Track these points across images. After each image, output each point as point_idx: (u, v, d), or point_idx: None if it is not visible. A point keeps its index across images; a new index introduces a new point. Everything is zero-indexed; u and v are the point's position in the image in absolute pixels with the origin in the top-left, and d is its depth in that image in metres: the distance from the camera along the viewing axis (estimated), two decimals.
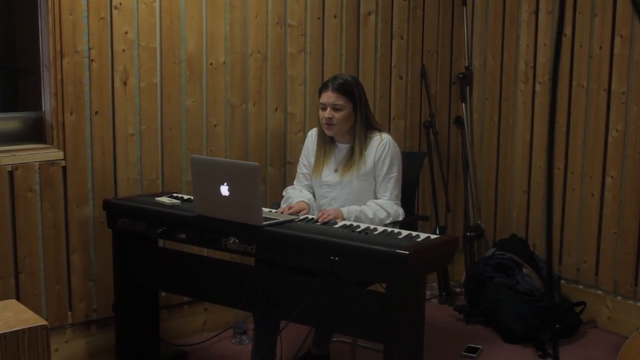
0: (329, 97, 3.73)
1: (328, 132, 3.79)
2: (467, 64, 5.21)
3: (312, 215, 3.64)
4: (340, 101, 3.71)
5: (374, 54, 4.87)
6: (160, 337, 4.05)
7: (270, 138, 4.51)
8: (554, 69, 1.55)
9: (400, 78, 5.01)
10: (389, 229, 3.35)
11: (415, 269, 3.04)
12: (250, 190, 3.27)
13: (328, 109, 3.73)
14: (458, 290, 5.18)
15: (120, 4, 3.94)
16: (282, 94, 4.52)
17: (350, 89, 3.75)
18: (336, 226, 3.40)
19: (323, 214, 3.52)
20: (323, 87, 3.79)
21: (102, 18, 3.90)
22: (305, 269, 3.32)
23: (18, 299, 3.72)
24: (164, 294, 4.17)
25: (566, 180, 4.76)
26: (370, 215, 3.66)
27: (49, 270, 3.91)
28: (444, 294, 5.05)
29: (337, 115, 3.72)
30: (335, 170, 3.82)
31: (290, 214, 3.60)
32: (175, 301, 4.31)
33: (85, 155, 3.94)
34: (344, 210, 3.63)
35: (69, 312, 4.00)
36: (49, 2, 3.76)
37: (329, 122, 3.73)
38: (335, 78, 3.80)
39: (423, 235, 3.24)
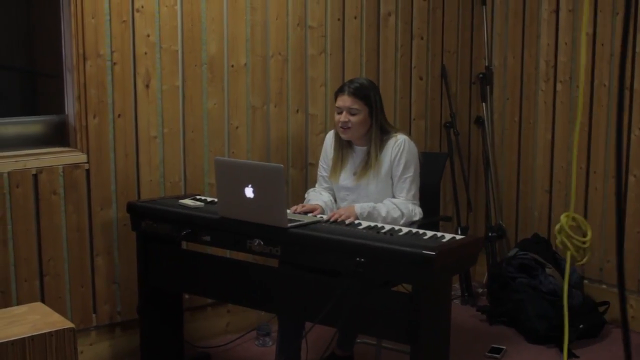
0: (344, 101, 3.72)
1: (344, 136, 3.79)
2: (487, 64, 5.19)
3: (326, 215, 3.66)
4: (356, 105, 3.71)
5: (394, 54, 4.86)
6: (184, 339, 4.06)
7: (292, 139, 4.51)
8: (621, 70, 1.51)
9: (421, 78, 5.01)
10: (414, 230, 3.34)
11: (442, 269, 3.03)
12: (275, 191, 3.27)
13: (344, 112, 3.73)
14: (480, 291, 5.17)
15: (142, 7, 3.95)
16: (303, 95, 4.53)
17: (366, 94, 3.74)
18: (360, 227, 3.40)
19: (334, 213, 3.52)
20: (339, 91, 3.78)
21: (124, 21, 3.91)
22: (328, 270, 3.32)
23: (43, 302, 3.74)
24: (187, 296, 4.18)
25: (588, 180, 4.74)
26: (383, 214, 3.65)
27: (73, 272, 3.93)
28: (466, 294, 5.04)
29: (353, 119, 3.72)
30: (354, 174, 3.82)
31: (303, 212, 3.63)
32: (198, 303, 4.31)
33: (109, 158, 3.96)
34: (357, 206, 3.62)
35: (94, 315, 4.02)
36: (72, 6, 3.78)
37: (345, 125, 3.73)
38: (351, 82, 3.79)
39: (448, 236, 3.24)
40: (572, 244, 2.34)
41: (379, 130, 3.77)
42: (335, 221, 3.47)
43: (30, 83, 5.61)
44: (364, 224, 3.46)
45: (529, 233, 5.04)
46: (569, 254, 2.36)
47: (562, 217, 2.36)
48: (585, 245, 2.36)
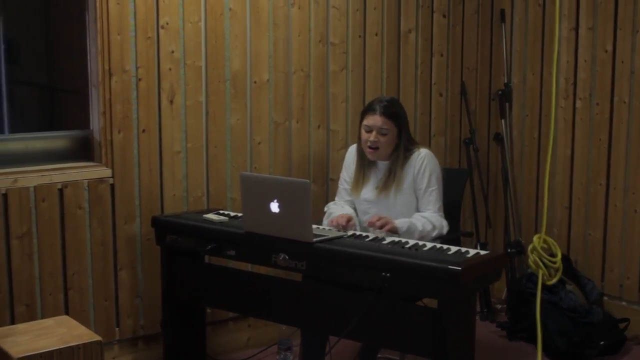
0: (376, 120, 3.72)
1: (371, 157, 3.79)
2: (506, 81, 5.22)
3: (356, 230, 3.67)
4: (387, 125, 3.72)
5: (414, 71, 4.90)
6: (206, 353, 4.08)
7: (313, 155, 4.54)
8: None
9: (440, 95, 5.03)
10: (438, 245, 3.36)
11: (467, 285, 3.04)
12: (300, 207, 3.29)
13: (374, 132, 3.73)
14: (499, 307, 5.17)
15: (167, 23, 3.99)
16: (325, 111, 4.56)
17: (396, 113, 3.76)
18: (385, 242, 3.41)
19: (375, 216, 3.55)
20: (370, 110, 3.77)
21: (149, 37, 3.95)
22: (351, 284, 3.34)
23: (67, 315, 3.76)
24: (209, 310, 4.19)
25: (608, 196, 4.75)
26: (420, 227, 3.67)
27: (97, 286, 3.96)
28: (485, 310, 5.04)
29: (383, 139, 3.73)
30: (376, 188, 3.83)
31: (338, 223, 3.64)
32: (219, 317, 4.33)
33: (133, 173, 3.99)
34: (398, 223, 3.64)
35: (117, 328, 4.04)
36: (98, 23, 3.82)
37: (374, 145, 3.73)
38: (381, 100, 3.78)
39: (472, 251, 3.26)
40: (544, 263, 2.42)
41: (403, 149, 3.78)
42: (373, 224, 3.53)
43: (48, 99, 5.67)
44: (388, 239, 3.48)
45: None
46: (540, 272, 2.44)
47: (535, 238, 2.44)
48: (556, 265, 2.44)
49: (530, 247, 2.40)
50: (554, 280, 2.43)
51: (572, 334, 4.42)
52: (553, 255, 2.42)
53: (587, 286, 4.65)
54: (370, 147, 3.76)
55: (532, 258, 2.41)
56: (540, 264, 2.41)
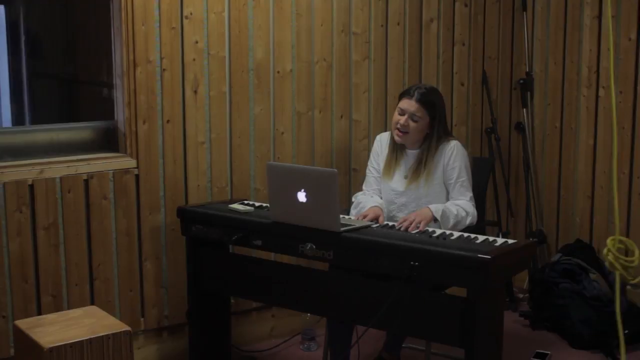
0: (410, 105, 3.71)
1: (398, 139, 3.77)
2: (527, 70, 5.20)
3: (385, 221, 3.65)
4: (419, 113, 3.70)
5: (436, 60, 4.88)
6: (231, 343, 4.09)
7: (336, 145, 4.54)
8: None
9: (462, 84, 5.02)
10: (465, 234, 3.35)
11: (496, 273, 3.04)
12: (328, 196, 3.29)
13: (406, 116, 3.72)
14: (521, 296, 5.16)
15: (191, 13, 3.99)
16: (347, 101, 4.55)
17: (433, 102, 3.73)
18: (412, 231, 3.41)
19: (405, 220, 3.50)
20: (406, 94, 3.76)
21: (173, 28, 3.95)
22: (378, 273, 3.33)
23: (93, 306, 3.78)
24: (232, 300, 4.20)
25: (631, 185, 4.73)
26: (455, 212, 3.65)
27: (122, 277, 3.97)
28: (507, 299, 5.03)
29: (413, 125, 3.71)
30: (405, 177, 3.82)
31: (369, 220, 3.59)
32: (243, 308, 4.34)
33: (157, 164, 4.00)
34: (432, 207, 3.62)
35: (142, 319, 4.06)
36: (123, 14, 3.82)
37: (404, 129, 3.72)
38: (419, 87, 3.77)
39: (500, 240, 3.25)
40: (620, 264, 2.43)
41: (435, 139, 3.76)
42: (406, 229, 3.45)
43: (66, 91, 5.69)
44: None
45: (570, 239, 5.03)
46: (618, 274, 2.44)
47: (609, 241, 2.45)
48: (634, 264, 2.45)
49: (605, 250, 2.43)
50: (637, 280, 2.46)
51: (596, 322, 4.41)
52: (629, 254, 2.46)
53: (611, 275, 4.64)
54: (398, 130, 3.74)
55: (607, 261, 2.43)
56: (617, 265, 2.43)
